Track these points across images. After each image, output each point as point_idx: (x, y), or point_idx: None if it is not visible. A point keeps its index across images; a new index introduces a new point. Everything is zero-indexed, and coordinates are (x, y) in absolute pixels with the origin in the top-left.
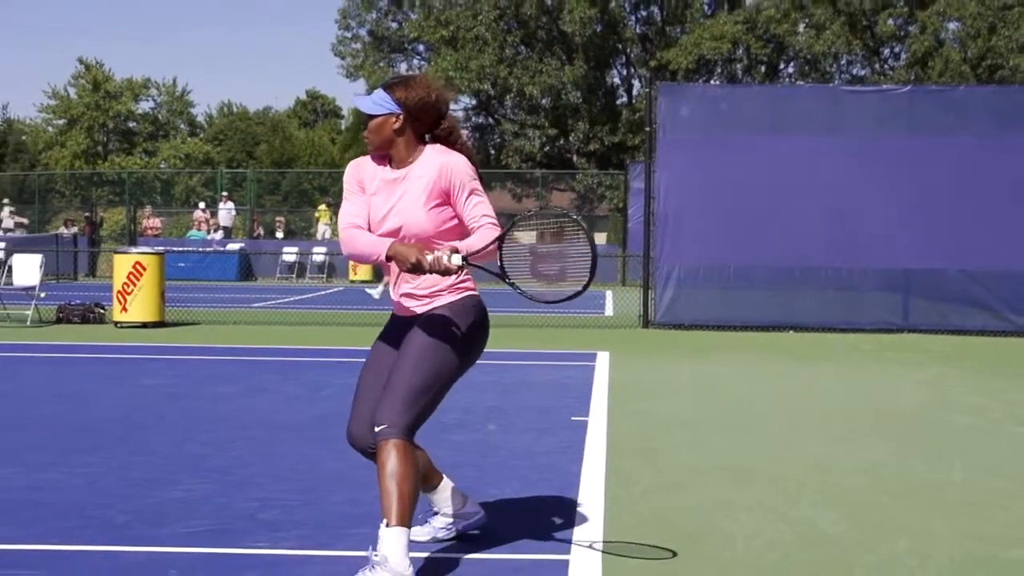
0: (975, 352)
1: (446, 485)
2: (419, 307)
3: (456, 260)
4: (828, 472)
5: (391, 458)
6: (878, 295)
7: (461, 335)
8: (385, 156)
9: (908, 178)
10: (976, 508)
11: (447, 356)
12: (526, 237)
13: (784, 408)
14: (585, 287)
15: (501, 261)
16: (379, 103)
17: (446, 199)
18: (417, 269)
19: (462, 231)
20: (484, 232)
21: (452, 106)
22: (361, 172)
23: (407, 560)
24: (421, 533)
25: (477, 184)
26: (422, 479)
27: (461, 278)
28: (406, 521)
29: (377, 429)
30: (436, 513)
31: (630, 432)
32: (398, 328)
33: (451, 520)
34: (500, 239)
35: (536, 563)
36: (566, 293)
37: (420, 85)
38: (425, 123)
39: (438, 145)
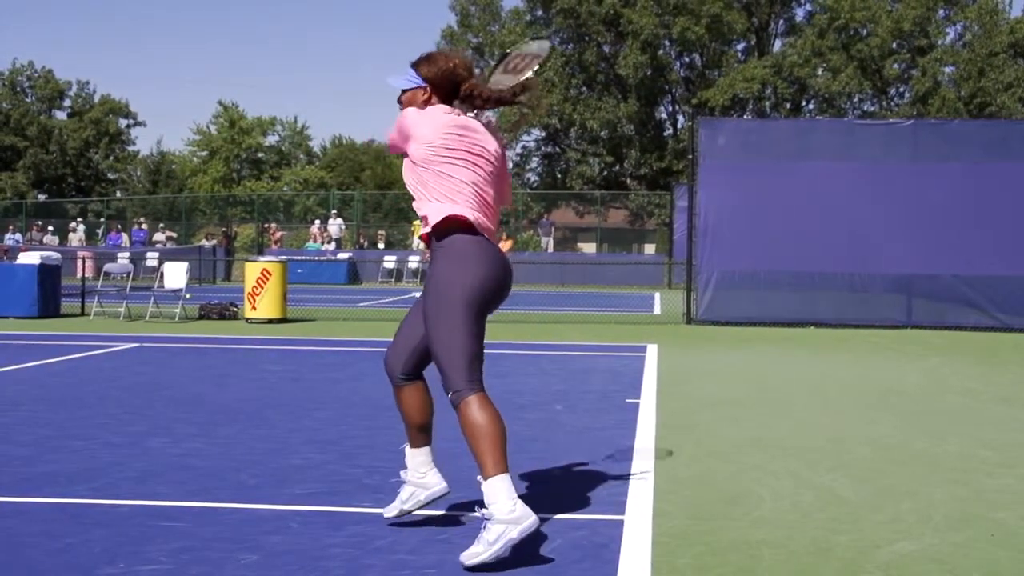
0: (968, 345)
1: (426, 451)
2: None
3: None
4: (843, 444)
5: (469, 414)
6: (885, 296)
7: (443, 277)
8: None
9: (910, 197)
10: (967, 475)
11: (448, 303)
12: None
13: (806, 390)
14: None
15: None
16: (409, 79)
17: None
18: None
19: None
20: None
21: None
22: None
23: (511, 503)
24: (390, 510)
25: (404, 119)
26: (422, 430)
27: (444, 229)
28: (501, 467)
29: (449, 397)
30: (403, 483)
31: (676, 411)
32: None
33: (414, 489)
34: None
35: (595, 522)
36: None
37: (440, 59)
38: (448, 90)
39: (441, 105)
